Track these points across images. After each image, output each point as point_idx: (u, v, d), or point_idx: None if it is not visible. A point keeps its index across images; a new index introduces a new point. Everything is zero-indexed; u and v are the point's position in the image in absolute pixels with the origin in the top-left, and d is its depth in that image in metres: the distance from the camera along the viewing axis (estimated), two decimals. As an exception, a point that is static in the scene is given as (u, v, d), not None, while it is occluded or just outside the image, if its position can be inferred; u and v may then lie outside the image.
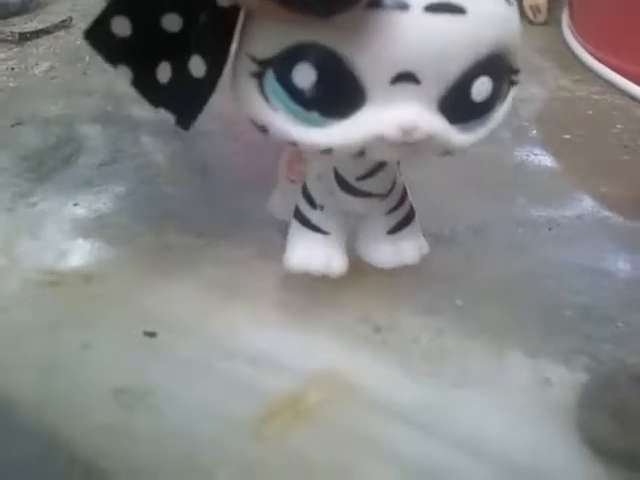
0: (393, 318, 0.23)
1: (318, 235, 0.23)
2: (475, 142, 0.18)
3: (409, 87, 0.16)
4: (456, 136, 0.17)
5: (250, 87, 0.17)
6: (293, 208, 0.23)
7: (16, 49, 0.46)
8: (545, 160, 0.32)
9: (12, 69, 0.43)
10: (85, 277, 0.25)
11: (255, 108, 0.18)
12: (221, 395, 0.21)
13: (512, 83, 0.18)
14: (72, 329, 0.23)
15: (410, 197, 0.24)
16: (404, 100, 0.16)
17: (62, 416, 0.20)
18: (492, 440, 0.19)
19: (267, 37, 0.17)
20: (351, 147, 0.17)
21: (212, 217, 0.29)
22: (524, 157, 0.32)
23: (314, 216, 0.23)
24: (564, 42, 0.46)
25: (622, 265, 0.25)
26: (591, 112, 0.36)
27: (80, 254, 0.26)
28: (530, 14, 0.50)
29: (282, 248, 0.23)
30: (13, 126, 0.36)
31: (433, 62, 0.16)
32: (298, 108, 0.17)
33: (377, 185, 0.21)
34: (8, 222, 0.28)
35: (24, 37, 0.47)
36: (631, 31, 0.38)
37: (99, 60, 0.18)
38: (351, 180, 0.21)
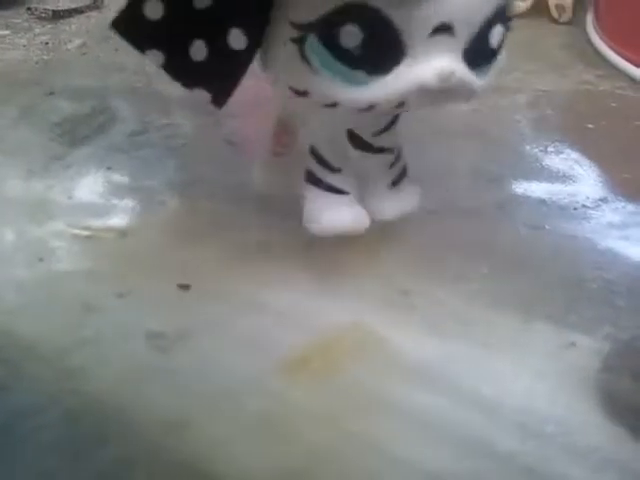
0: (419, 284, 0.24)
1: (341, 196, 0.23)
2: (485, 85, 0.19)
3: (445, 39, 0.18)
4: (476, 81, 0.19)
5: (290, 53, 0.18)
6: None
7: (49, 26, 0.47)
8: (568, 147, 0.33)
9: (46, 44, 0.44)
10: (119, 233, 0.26)
11: (295, 74, 0.18)
12: (248, 344, 0.21)
13: (507, 29, 0.19)
14: (107, 278, 0.24)
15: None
16: (440, 51, 0.18)
17: (93, 357, 0.21)
18: (514, 399, 0.20)
19: (310, 1, 0.17)
20: (393, 100, 0.18)
21: (238, 184, 0.29)
22: (547, 143, 0.33)
23: (334, 179, 0.23)
24: (588, 41, 0.47)
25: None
26: (614, 105, 0.37)
27: (114, 213, 0.27)
28: (555, 13, 0.50)
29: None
30: (47, 95, 0.37)
31: (466, 13, 0.17)
32: (343, 68, 0.18)
33: (390, 139, 0.23)
34: (44, 181, 0.29)
35: (57, 15, 0.48)
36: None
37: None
38: (367, 137, 0.22)
